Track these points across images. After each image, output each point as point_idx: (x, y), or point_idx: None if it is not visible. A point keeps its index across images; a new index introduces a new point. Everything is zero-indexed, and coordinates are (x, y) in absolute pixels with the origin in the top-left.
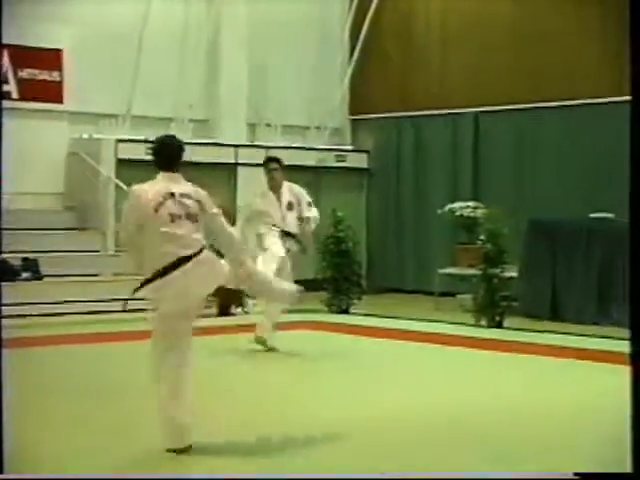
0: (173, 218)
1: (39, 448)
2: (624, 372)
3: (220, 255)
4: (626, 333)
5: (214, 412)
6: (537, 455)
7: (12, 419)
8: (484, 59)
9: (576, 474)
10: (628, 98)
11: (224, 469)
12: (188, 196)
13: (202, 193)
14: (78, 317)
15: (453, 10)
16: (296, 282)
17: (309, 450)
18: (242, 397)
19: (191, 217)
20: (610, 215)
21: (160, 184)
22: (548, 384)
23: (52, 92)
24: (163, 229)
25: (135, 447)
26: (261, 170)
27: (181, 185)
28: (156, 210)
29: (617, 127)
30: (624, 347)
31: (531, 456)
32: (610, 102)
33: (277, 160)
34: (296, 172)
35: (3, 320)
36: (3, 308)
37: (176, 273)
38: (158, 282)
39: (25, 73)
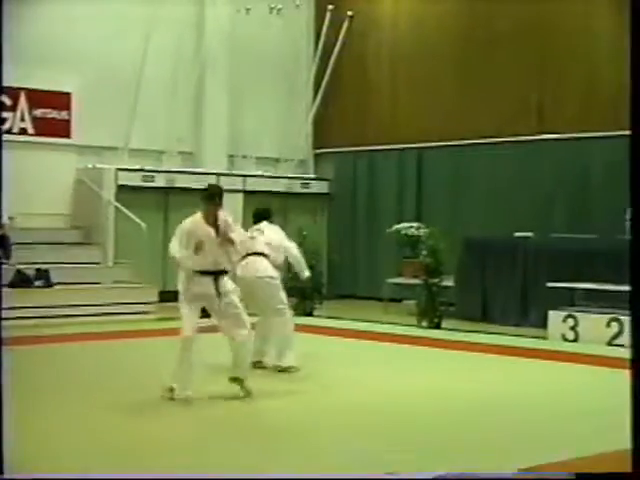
0: None
1: (43, 441)
2: (539, 365)
3: None
4: (541, 332)
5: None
6: (448, 426)
7: (18, 415)
8: (427, 103)
9: (571, 474)
10: (548, 137)
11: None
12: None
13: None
14: (83, 319)
15: (401, 60)
16: None
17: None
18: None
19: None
20: (530, 234)
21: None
22: (477, 375)
23: (62, 128)
24: None
25: (135, 441)
26: (238, 195)
27: None
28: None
29: (536, 161)
30: (540, 344)
31: (442, 428)
32: (531, 140)
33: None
34: (268, 197)
35: (19, 320)
36: (19, 311)
37: None
38: None
39: (39, 112)
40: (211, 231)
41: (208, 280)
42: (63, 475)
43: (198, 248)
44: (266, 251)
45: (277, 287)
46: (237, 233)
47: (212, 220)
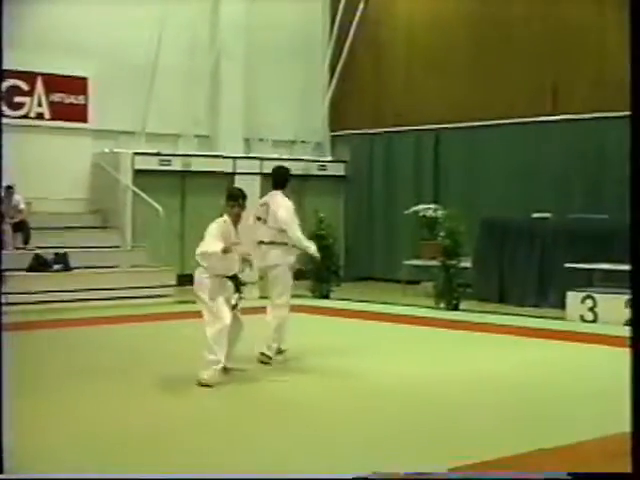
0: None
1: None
2: (557, 346)
3: None
4: (560, 313)
5: None
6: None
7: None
8: (443, 84)
9: (570, 474)
10: (562, 117)
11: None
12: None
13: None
14: (102, 302)
15: (417, 42)
16: None
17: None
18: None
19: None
20: (548, 215)
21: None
22: (495, 356)
23: (78, 113)
24: None
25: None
26: (255, 178)
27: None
28: None
29: (552, 142)
30: (558, 325)
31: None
32: (546, 120)
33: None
34: None
35: (37, 305)
36: (37, 295)
37: None
38: None
39: (56, 97)
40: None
41: (231, 285)
42: (63, 475)
43: (227, 252)
44: (267, 239)
45: (277, 277)
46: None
47: (236, 223)
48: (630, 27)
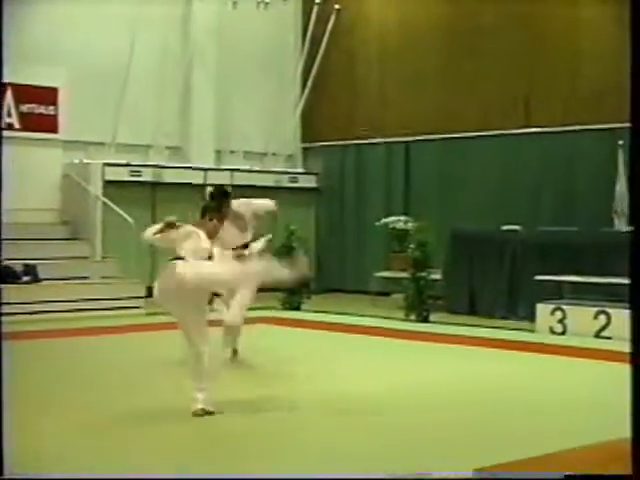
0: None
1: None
2: (526, 358)
3: None
4: (529, 325)
5: None
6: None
7: (11, 408)
8: (414, 97)
9: (568, 476)
10: (534, 130)
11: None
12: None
13: None
14: (71, 314)
15: (388, 55)
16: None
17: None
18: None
19: None
20: (518, 227)
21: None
22: (465, 368)
23: (48, 123)
24: None
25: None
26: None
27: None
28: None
29: (523, 155)
30: (527, 337)
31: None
32: (518, 133)
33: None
34: (256, 191)
35: (6, 317)
36: (6, 307)
37: None
38: None
39: (25, 107)
40: None
41: None
42: (63, 475)
43: None
44: None
45: None
46: None
47: None
48: (630, 28)
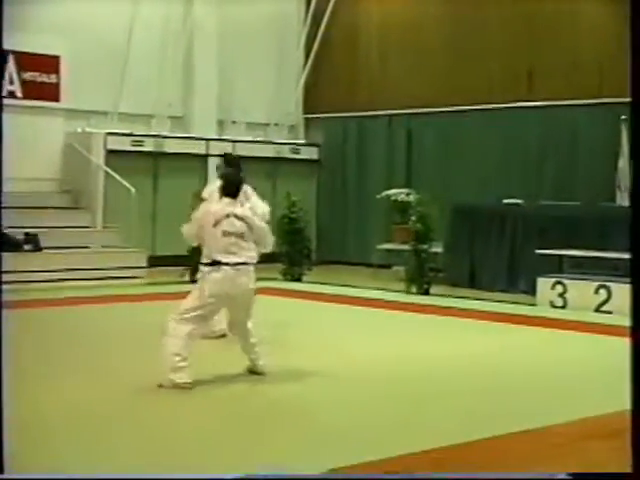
0: (224, 234)
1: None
2: (527, 331)
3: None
4: (530, 299)
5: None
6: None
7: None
8: (416, 69)
9: (570, 474)
10: (537, 104)
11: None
12: (240, 218)
13: (251, 215)
14: (73, 283)
15: (391, 27)
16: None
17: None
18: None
19: (238, 235)
20: (520, 201)
21: (222, 206)
22: (465, 341)
23: (50, 92)
24: (218, 239)
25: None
26: None
27: (237, 208)
28: (214, 225)
29: (525, 128)
30: (528, 311)
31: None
32: (520, 106)
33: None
34: (257, 162)
35: (7, 285)
36: (7, 275)
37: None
38: (206, 269)
39: (28, 75)
40: None
41: None
42: (63, 475)
43: None
44: None
45: None
46: None
47: None
48: (630, 22)
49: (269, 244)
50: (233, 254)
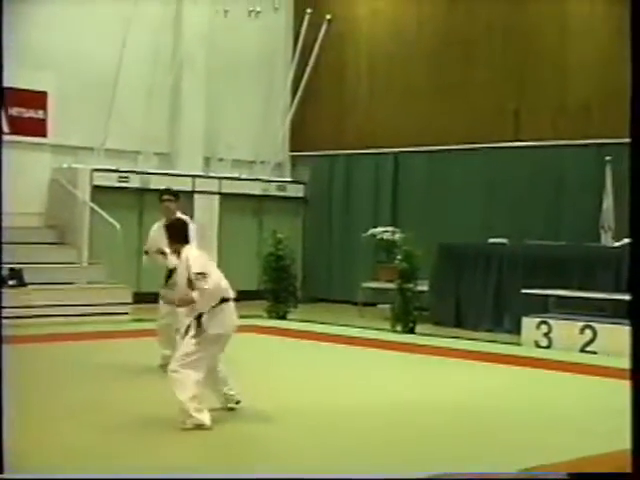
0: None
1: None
2: (511, 371)
3: None
4: (515, 339)
5: None
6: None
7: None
8: (403, 108)
9: (570, 474)
10: (523, 144)
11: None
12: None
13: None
14: (57, 319)
15: (379, 65)
16: (240, 292)
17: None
18: None
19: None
20: (505, 241)
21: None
22: (450, 380)
23: (37, 128)
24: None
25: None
26: (214, 197)
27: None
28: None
29: (513, 168)
30: (513, 350)
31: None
32: (507, 146)
33: (170, 192)
34: (243, 200)
35: None
36: None
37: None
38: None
39: (14, 111)
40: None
41: None
42: (63, 475)
43: None
44: None
45: None
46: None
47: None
48: (631, 29)
49: None
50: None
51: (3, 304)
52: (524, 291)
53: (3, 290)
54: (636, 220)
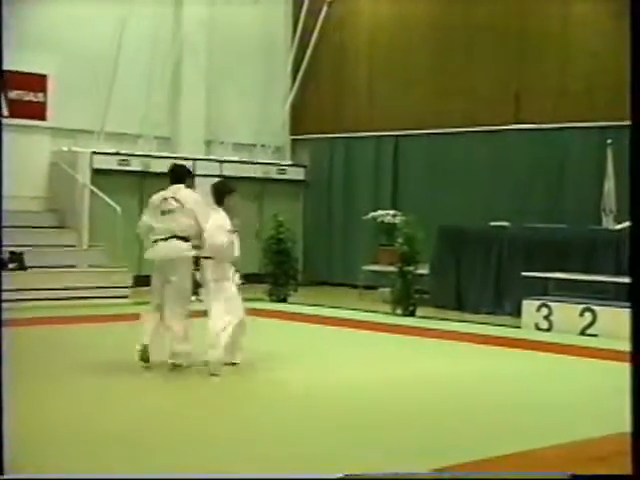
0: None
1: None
2: (511, 354)
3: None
4: (515, 321)
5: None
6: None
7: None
8: (403, 91)
9: (570, 474)
10: (524, 126)
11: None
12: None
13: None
14: (58, 302)
15: (379, 48)
16: (241, 276)
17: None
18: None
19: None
20: (506, 223)
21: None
22: (449, 363)
23: (37, 111)
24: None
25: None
26: (214, 180)
27: (176, 192)
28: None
29: (513, 151)
30: (513, 333)
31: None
32: (508, 129)
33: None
34: (244, 183)
35: None
36: None
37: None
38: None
39: (14, 94)
40: None
41: None
42: (63, 475)
43: None
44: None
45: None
46: None
47: None
48: (630, 28)
49: None
50: None
51: (4, 287)
52: (525, 274)
53: (3, 273)
54: (636, 203)
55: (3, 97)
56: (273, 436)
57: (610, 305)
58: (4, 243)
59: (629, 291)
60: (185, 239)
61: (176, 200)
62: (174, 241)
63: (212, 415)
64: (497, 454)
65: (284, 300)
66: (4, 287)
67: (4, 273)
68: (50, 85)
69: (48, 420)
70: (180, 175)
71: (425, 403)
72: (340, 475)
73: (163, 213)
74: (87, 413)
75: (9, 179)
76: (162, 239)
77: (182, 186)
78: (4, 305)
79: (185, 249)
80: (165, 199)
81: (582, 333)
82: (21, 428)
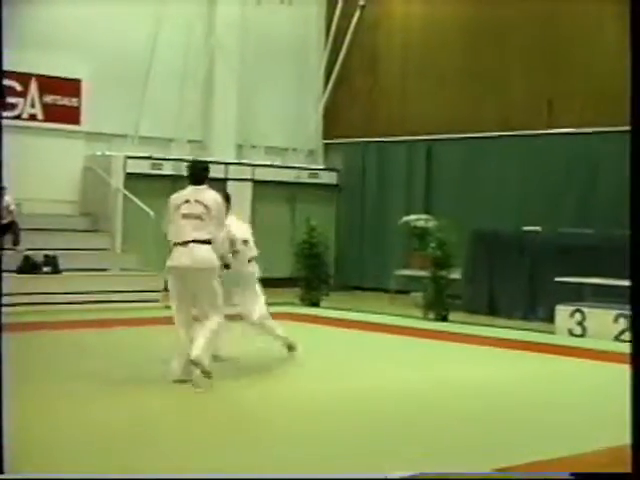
0: (184, 216)
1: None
2: (545, 359)
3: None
4: (548, 327)
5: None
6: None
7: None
8: (436, 95)
9: (572, 474)
10: (557, 131)
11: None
12: (199, 202)
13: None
14: (91, 305)
15: (412, 52)
16: (274, 280)
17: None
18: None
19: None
20: (539, 228)
21: (185, 192)
22: (482, 369)
23: (71, 115)
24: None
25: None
26: (247, 184)
27: (199, 194)
28: (177, 209)
29: (546, 155)
30: (546, 339)
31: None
32: (541, 134)
33: None
34: (276, 187)
35: (26, 307)
36: (26, 297)
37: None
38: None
39: (49, 99)
40: None
41: None
42: (63, 475)
43: None
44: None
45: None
46: None
47: None
48: (630, 29)
49: None
50: None
51: (37, 290)
52: (558, 279)
53: (37, 276)
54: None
55: (37, 101)
56: (314, 437)
57: None
58: (38, 247)
59: (630, 295)
60: (207, 242)
61: (199, 202)
62: (200, 248)
63: (241, 418)
64: (528, 460)
65: (316, 304)
66: (38, 290)
67: (38, 276)
68: (84, 90)
69: (60, 422)
70: (202, 175)
71: (459, 409)
72: (407, 474)
73: (185, 217)
74: (98, 415)
75: (44, 183)
76: (181, 243)
77: (204, 187)
78: (38, 308)
79: (212, 258)
80: (187, 201)
81: (616, 339)
82: (22, 429)
